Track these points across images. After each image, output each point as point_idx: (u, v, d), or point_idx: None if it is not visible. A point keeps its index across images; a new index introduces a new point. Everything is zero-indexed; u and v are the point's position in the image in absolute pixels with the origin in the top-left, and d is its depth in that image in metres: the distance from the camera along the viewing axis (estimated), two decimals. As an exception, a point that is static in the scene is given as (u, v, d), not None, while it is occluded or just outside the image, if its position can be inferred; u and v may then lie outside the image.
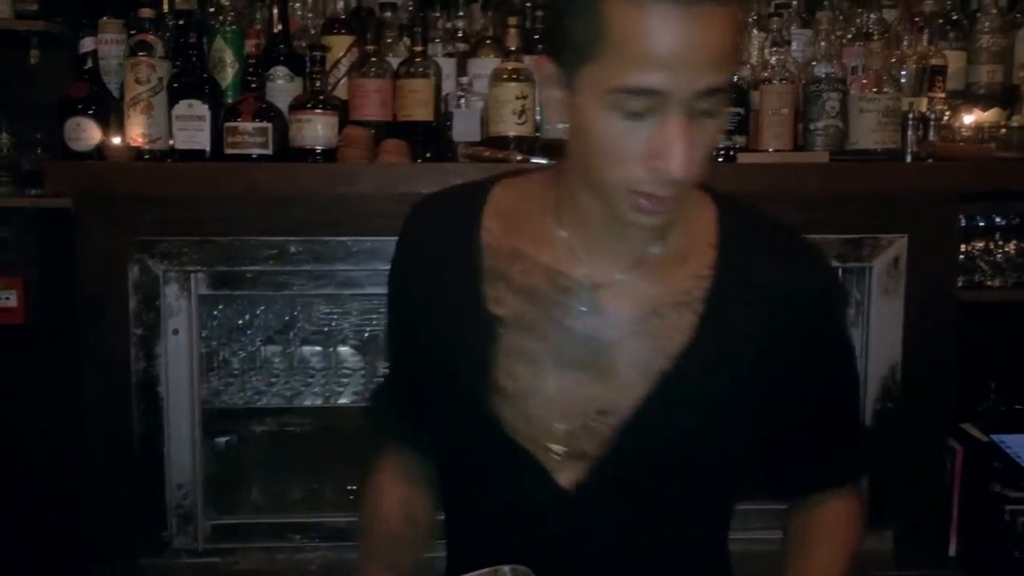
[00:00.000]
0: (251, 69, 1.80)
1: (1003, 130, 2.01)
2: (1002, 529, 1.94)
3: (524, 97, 1.82)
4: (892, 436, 1.93)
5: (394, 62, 1.87)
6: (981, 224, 2.09)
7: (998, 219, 2.10)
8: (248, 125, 1.73)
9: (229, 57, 1.85)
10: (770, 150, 1.89)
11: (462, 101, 1.87)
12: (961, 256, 2.04)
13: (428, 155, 1.84)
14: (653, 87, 0.81)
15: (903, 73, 1.99)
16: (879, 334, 1.92)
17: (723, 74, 0.84)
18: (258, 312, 2.00)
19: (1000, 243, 2.07)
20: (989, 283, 2.06)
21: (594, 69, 0.83)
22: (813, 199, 1.89)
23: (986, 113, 2.04)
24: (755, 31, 1.98)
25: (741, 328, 0.95)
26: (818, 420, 1.03)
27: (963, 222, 2.03)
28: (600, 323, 0.95)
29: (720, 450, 0.99)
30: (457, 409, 1.00)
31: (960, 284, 2.00)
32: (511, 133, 1.83)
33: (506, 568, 0.57)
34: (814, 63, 1.95)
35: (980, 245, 2.07)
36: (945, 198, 1.90)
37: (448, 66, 1.93)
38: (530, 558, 0.92)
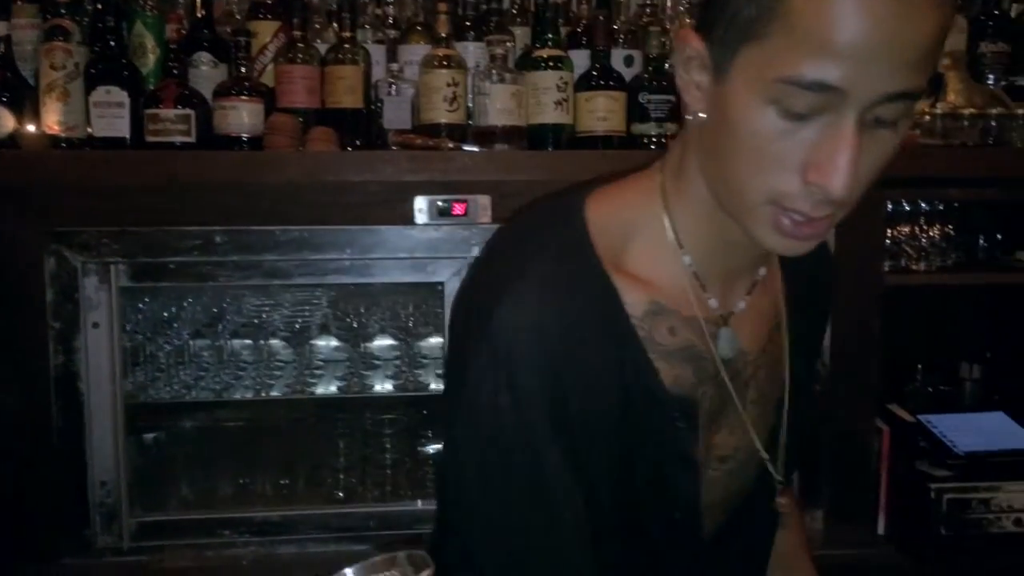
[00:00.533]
0: (173, 55, 1.75)
1: (927, 118, 2.05)
2: (928, 507, 1.98)
3: (455, 84, 1.80)
4: (821, 418, 1.97)
5: (322, 48, 1.84)
6: (907, 209, 2.13)
7: (923, 205, 2.14)
8: (170, 112, 1.68)
9: (150, 43, 1.79)
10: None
11: (392, 88, 1.85)
12: (887, 241, 2.08)
13: (357, 143, 1.81)
14: (831, 82, 0.65)
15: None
16: (808, 319, 1.95)
17: (921, 76, 0.68)
18: (185, 305, 1.96)
19: (925, 228, 2.11)
20: (914, 267, 2.10)
21: (758, 52, 0.68)
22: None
23: (911, 101, 2.08)
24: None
25: (808, 334, 0.96)
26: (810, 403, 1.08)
27: (889, 208, 2.06)
28: (738, 367, 0.85)
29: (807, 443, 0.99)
30: (630, 513, 0.85)
31: (886, 269, 2.04)
32: (442, 120, 1.80)
33: (401, 554, 0.56)
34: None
35: (906, 230, 2.11)
36: (872, 184, 1.93)
37: (378, 52, 1.90)
38: None
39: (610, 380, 0.79)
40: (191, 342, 2.01)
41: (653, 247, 0.82)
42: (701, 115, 0.75)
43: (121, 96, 1.68)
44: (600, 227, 0.82)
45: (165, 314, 1.93)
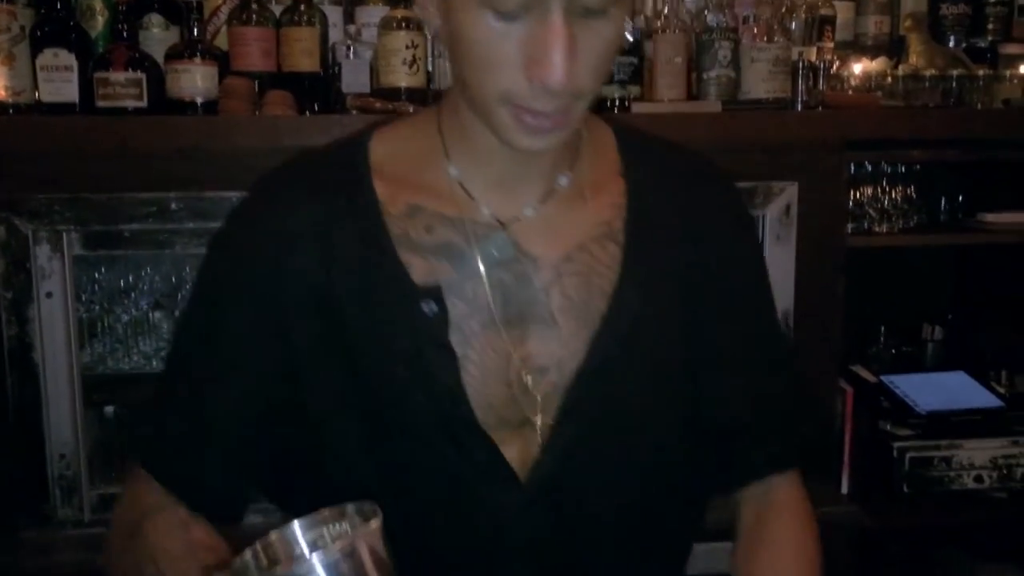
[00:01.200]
0: (122, 17, 1.70)
1: (889, 79, 2.05)
2: (891, 465, 2.01)
3: (415, 46, 1.77)
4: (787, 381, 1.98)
5: (277, 10, 1.80)
6: (869, 171, 2.13)
7: (885, 167, 2.15)
8: (120, 76, 1.63)
9: (98, 4, 1.74)
10: (665, 100, 1.89)
11: (350, 51, 1.81)
12: (850, 203, 2.08)
13: (315, 107, 1.77)
14: None
15: (793, 23, 2.01)
16: (772, 281, 1.93)
17: None
18: (143, 274, 1.92)
19: (887, 190, 2.12)
20: (877, 229, 2.11)
21: None
22: (707, 148, 1.89)
23: (873, 63, 2.08)
24: (648, -21, 1.97)
25: (665, 258, 0.90)
26: (753, 362, 0.96)
27: (852, 169, 2.07)
28: (523, 268, 0.86)
29: (674, 393, 0.91)
30: (392, 406, 0.86)
31: (849, 231, 2.04)
32: (402, 84, 1.77)
33: (350, 506, 0.55)
34: (706, 12, 1.95)
35: (868, 192, 2.11)
36: (834, 146, 1.93)
37: (334, 14, 1.86)
38: (475, 547, 0.86)
39: (352, 269, 0.85)
40: (150, 313, 1.97)
41: (423, 160, 0.88)
42: (437, 28, 0.81)
43: (69, 59, 1.64)
44: (379, 148, 0.89)
45: (122, 283, 1.89)
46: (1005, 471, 2.02)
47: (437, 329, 0.84)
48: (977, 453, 2.02)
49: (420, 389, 0.84)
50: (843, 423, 2.03)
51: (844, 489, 2.04)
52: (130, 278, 1.90)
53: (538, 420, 0.86)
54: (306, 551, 0.53)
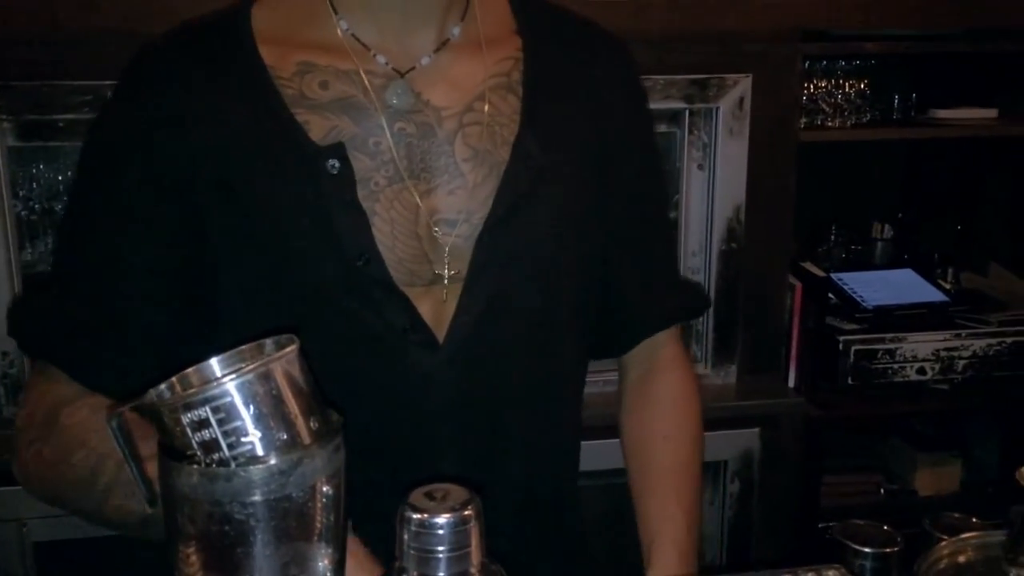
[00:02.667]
0: None
1: (845, -31, 2.02)
2: (836, 358, 2.06)
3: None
4: (736, 275, 2.00)
5: None
6: (823, 65, 2.12)
7: (840, 62, 2.13)
8: (48, -45, 1.55)
9: None
10: (616, -12, 1.85)
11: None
12: (804, 98, 2.07)
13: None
14: None
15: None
16: (724, 175, 1.95)
17: None
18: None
19: (841, 84, 2.11)
20: (830, 124, 2.11)
21: None
22: (660, 38, 1.87)
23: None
24: None
25: (563, 113, 0.90)
26: (644, 226, 0.99)
27: (806, 64, 2.05)
28: (426, 118, 0.85)
29: (579, 240, 0.91)
30: (290, 266, 0.84)
31: (802, 125, 2.04)
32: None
33: (268, 341, 0.54)
34: None
35: (822, 86, 2.10)
36: (788, 38, 1.91)
37: None
38: (396, 410, 0.85)
39: (248, 138, 0.83)
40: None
41: (310, 19, 0.86)
42: None
43: (-8, -63, 1.55)
44: (260, 13, 0.87)
45: (61, 179, 1.83)
46: (947, 363, 2.08)
47: (343, 187, 0.82)
48: (920, 346, 2.07)
49: (330, 250, 0.83)
50: (791, 318, 2.06)
51: (791, 382, 2.08)
52: (69, 174, 1.84)
53: (446, 273, 0.85)
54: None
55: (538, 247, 0.88)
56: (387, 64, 0.86)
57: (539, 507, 0.97)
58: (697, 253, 2.01)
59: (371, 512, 0.71)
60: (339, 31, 0.86)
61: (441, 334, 0.85)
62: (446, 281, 0.85)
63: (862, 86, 2.13)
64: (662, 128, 2.03)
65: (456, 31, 0.89)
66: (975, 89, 2.26)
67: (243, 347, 0.54)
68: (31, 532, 1.72)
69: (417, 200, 0.85)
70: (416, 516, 0.50)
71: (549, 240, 0.89)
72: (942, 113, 2.19)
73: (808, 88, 2.08)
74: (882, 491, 2.26)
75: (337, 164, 0.82)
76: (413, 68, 0.87)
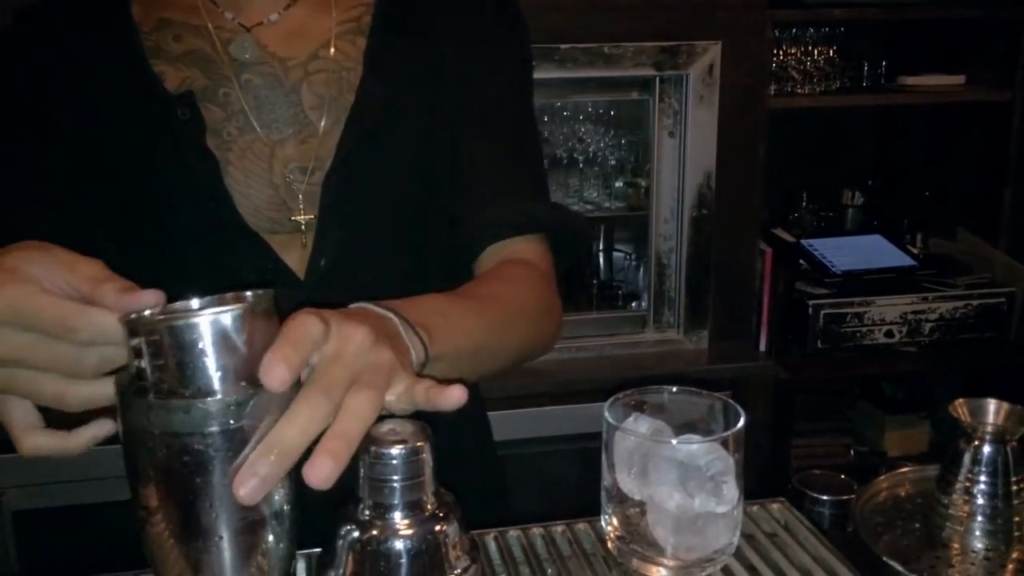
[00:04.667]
0: None
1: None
2: (806, 323, 2.09)
3: None
4: (707, 241, 2.02)
5: None
6: (793, 33, 2.14)
7: (810, 30, 2.15)
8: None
9: None
10: (588, -44, 1.86)
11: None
12: (773, 65, 2.10)
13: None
14: None
15: None
16: (695, 142, 1.97)
17: None
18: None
19: (810, 51, 2.13)
20: (799, 91, 2.13)
21: None
22: (629, 6, 1.89)
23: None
24: None
25: (412, 50, 0.93)
26: (498, 147, 0.97)
27: (776, 31, 2.07)
28: (272, 69, 0.89)
29: (426, 180, 0.93)
30: (152, 211, 0.89)
31: (772, 92, 2.06)
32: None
33: (249, 293, 0.56)
34: None
35: (792, 52, 2.12)
36: (757, 5, 1.93)
37: None
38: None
39: (110, 88, 0.87)
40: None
41: None
42: None
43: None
44: None
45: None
46: (914, 326, 2.12)
47: (193, 133, 0.86)
48: (888, 309, 2.11)
49: (183, 194, 0.87)
50: (762, 283, 2.10)
51: (762, 347, 2.11)
52: None
53: (303, 220, 0.88)
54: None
55: (384, 188, 0.91)
56: (234, 19, 0.90)
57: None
58: (669, 220, 2.03)
59: None
60: None
61: (302, 275, 0.88)
62: (303, 228, 0.88)
63: (831, 53, 2.15)
64: (633, 96, 2.05)
65: None
66: (943, 55, 2.29)
67: (226, 295, 0.56)
68: (10, 502, 1.74)
69: (268, 150, 0.88)
70: (372, 448, 0.53)
71: (395, 181, 0.91)
72: (911, 80, 2.22)
73: (778, 55, 2.11)
74: (852, 453, 2.30)
75: (187, 112, 0.86)
76: (261, 23, 0.90)
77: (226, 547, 0.52)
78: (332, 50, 0.90)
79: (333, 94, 0.89)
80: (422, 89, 0.92)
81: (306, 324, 0.53)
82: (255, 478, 0.48)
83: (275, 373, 0.49)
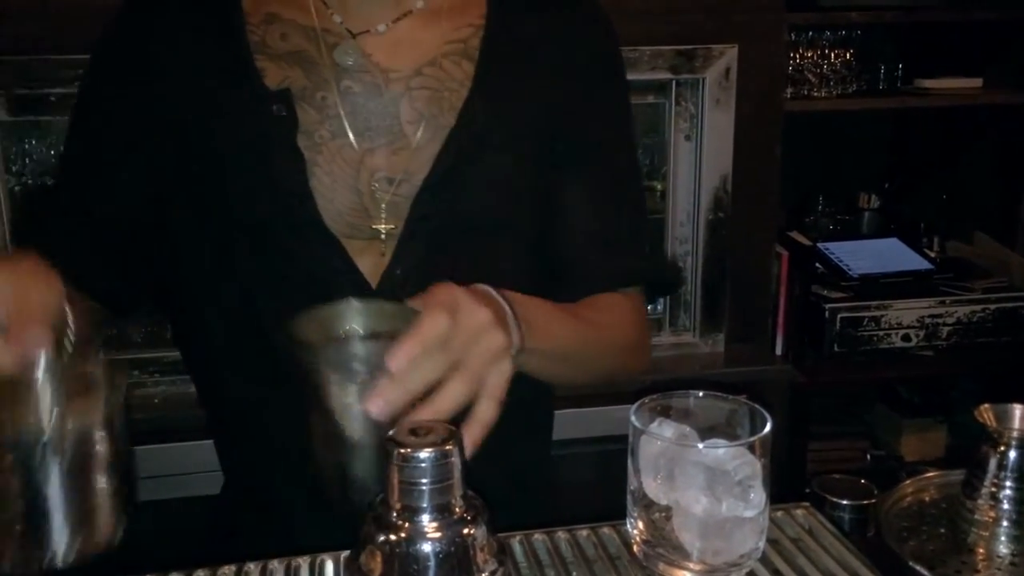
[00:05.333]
0: None
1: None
2: (822, 326, 2.09)
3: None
4: (723, 245, 2.02)
5: None
6: (809, 36, 2.13)
7: (827, 32, 2.15)
8: (36, -71, 1.56)
9: None
10: (604, -40, 1.86)
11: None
12: (790, 69, 2.09)
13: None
14: None
15: None
16: (711, 145, 1.97)
17: None
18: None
19: (827, 55, 2.13)
20: (816, 94, 2.13)
21: None
22: (646, 9, 1.88)
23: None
24: None
25: (521, 79, 0.92)
26: (601, 196, 0.97)
27: (792, 34, 2.07)
28: (373, 78, 0.89)
29: (520, 207, 0.93)
30: (239, 201, 0.89)
31: (788, 95, 2.06)
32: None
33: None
34: None
35: (809, 55, 2.12)
36: (774, 8, 1.93)
37: None
38: None
39: (212, 77, 0.88)
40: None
41: None
42: None
43: (-20, -88, 1.55)
44: None
45: (54, 154, 1.84)
46: (932, 330, 2.11)
47: (286, 131, 0.86)
48: (905, 313, 2.10)
49: (267, 189, 0.87)
50: (778, 287, 2.09)
51: (778, 350, 2.11)
52: (61, 148, 1.85)
53: (384, 229, 0.89)
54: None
55: (474, 209, 0.90)
56: (342, 24, 0.90)
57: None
58: (685, 223, 2.03)
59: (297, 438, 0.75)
60: None
61: (374, 283, 0.88)
62: (383, 236, 0.89)
63: (848, 56, 2.15)
64: (649, 99, 2.04)
65: (420, 3, 0.91)
66: (960, 58, 2.28)
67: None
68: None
69: (359, 157, 0.88)
70: (401, 450, 0.53)
71: (485, 204, 0.91)
72: (928, 82, 2.21)
73: (794, 58, 2.10)
74: (868, 457, 2.30)
75: (283, 109, 0.86)
76: (368, 32, 0.90)
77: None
78: (437, 68, 0.90)
79: (433, 111, 0.89)
80: (524, 118, 0.92)
81: (436, 323, 0.65)
82: (382, 399, 0.62)
83: (397, 362, 0.62)
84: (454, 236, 0.90)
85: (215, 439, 1.01)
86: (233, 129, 0.88)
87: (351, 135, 0.88)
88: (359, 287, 0.87)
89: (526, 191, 0.93)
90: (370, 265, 0.89)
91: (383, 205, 0.89)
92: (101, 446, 0.58)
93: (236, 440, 0.99)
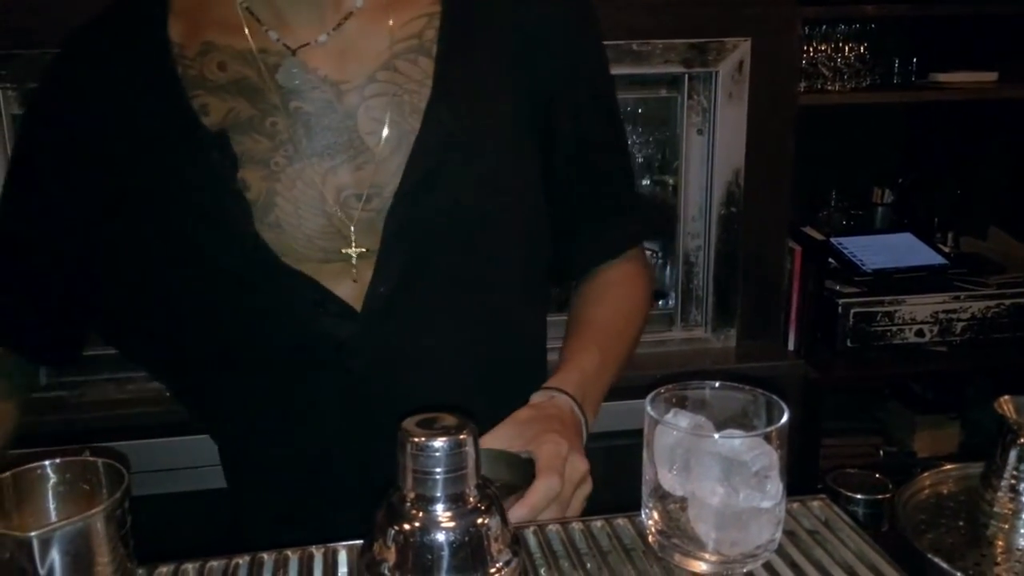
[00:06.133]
0: None
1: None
2: (835, 321, 2.08)
3: None
4: (736, 239, 2.01)
5: None
6: (823, 29, 2.12)
7: (840, 26, 2.14)
8: (48, -77, 1.56)
9: None
10: (617, -48, 1.85)
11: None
12: (803, 62, 2.08)
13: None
14: None
15: None
16: (724, 139, 1.95)
17: None
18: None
19: (840, 48, 2.11)
20: (829, 88, 2.11)
21: None
22: (658, 2, 1.88)
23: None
24: None
25: (485, 65, 0.86)
26: (592, 164, 0.95)
27: (805, 27, 2.06)
28: (324, 94, 0.82)
29: (503, 206, 0.88)
30: (188, 249, 0.83)
31: (802, 89, 2.04)
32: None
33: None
34: None
35: (823, 49, 2.10)
36: (788, 0, 1.91)
37: None
38: (316, 394, 0.84)
39: (147, 119, 0.83)
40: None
41: (217, 5, 0.85)
42: None
43: (-7, -94, 1.56)
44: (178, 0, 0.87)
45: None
46: (945, 325, 2.09)
47: (227, 174, 0.81)
48: (919, 308, 2.09)
49: (220, 237, 0.82)
50: (791, 282, 2.08)
51: (791, 345, 2.10)
52: None
53: (356, 250, 0.83)
54: None
55: (453, 216, 0.85)
56: (278, 41, 0.83)
57: None
58: (697, 218, 2.02)
59: (318, 475, 0.78)
60: (239, 7, 0.84)
61: (358, 305, 0.83)
62: (354, 257, 0.83)
63: (862, 49, 2.13)
64: (661, 93, 2.03)
65: (359, 3, 0.85)
66: (975, 52, 2.26)
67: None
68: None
69: (320, 178, 0.82)
70: (415, 439, 0.53)
71: (465, 205, 0.85)
72: (942, 76, 2.19)
73: (807, 52, 2.09)
74: (881, 453, 2.28)
75: (217, 153, 0.81)
76: (308, 44, 0.83)
77: None
78: (392, 71, 0.83)
79: (394, 118, 0.83)
80: (495, 106, 0.86)
81: (550, 489, 0.73)
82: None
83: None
84: (436, 244, 0.85)
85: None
86: (174, 179, 0.83)
87: (309, 156, 0.82)
88: (343, 314, 0.83)
89: (509, 180, 0.89)
90: (351, 288, 0.84)
91: (354, 224, 0.83)
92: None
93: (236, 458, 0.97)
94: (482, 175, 0.86)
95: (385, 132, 0.83)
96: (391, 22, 0.85)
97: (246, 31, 0.83)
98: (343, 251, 0.83)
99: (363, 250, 0.83)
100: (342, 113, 0.83)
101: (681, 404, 0.61)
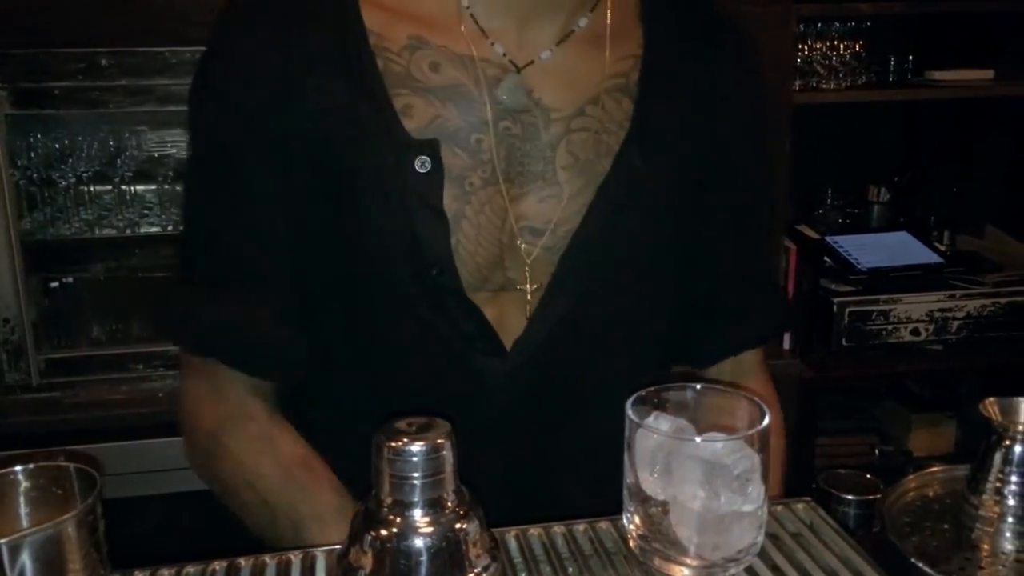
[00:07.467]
0: None
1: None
2: (830, 321, 2.07)
3: None
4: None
5: None
6: (818, 27, 2.11)
7: (836, 24, 2.13)
8: (39, -78, 1.56)
9: None
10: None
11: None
12: (798, 60, 2.07)
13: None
14: None
15: None
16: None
17: None
18: (80, 139, 1.87)
19: (836, 46, 2.11)
20: (824, 86, 2.11)
21: None
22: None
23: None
24: None
25: (673, 119, 0.83)
26: (744, 241, 0.92)
27: (800, 25, 2.05)
28: (534, 119, 0.78)
29: (668, 251, 0.85)
30: (376, 266, 0.78)
31: (797, 87, 2.04)
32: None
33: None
34: None
35: (818, 47, 2.10)
36: (782, -2, 1.91)
37: None
38: (457, 414, 0.81)
39: (342, 117, 0.76)
40: (89, 185, 1.93)
41: None
42: None
43: (-17, -95, 1.55)
44: None
45: (58, 147, 1.84)
46: (941, 324, 2.09)
47: (430, 189, 0.76)
48: (915, 307, 2.08)
49: (406, 255, 0.77)
50: (786, 281, 2.07)
51: (786, 344, 2.09)
52: (66, 142, 1.85)
53: (528, 286, 0.80)
54: None
55: (625, 263, 0.83)
56: (504, 55, 0.78)
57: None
58: (692, 216, 2.01)
59: None
60: (459, 6, 0.78)
61: (508, 341, 0.81)
62: (528, 293, 0.81)
63: (857, 47, 2.13)
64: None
65: (584, 22, 0.81)
66: (971, 50, 2.25)
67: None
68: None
69: (507, 206, 0.79)
70: (391, 444, 0.52)
71: (635, 259, 0.83)
72: (938, 74, 2.19)
73: (803, 50, 2.08)
74: (876, 452, 2.28)
75: (428, 162, 0.76)
76: (531, 63, 0.79)
77: None
78: (599, 107, 0.80)
79: (589, 156, 0.80)
80: (677, 162, 0.84)
81: None
82: None
83: None
84: (600, 291, 0.82)
85: None
86: (369, 184, 0.76)
87: (502, 182, 0.78)
88: (490, 346, 0.80)
89: (673, 242, 0.86)
90: (498, 317, 0.81)
91: (528, 259, 0.80)
92: None
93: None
94: (657, 225, 0.84)
95: (578, 169, 0.80)
96: (605, 55, 0.82)
97: (467, 38, 0.78)
98: (509, 277, 0.81)
99: (535, 286, 0.81)
100: (545, 142, 0.80)
101: (662, 407, 0.61)
